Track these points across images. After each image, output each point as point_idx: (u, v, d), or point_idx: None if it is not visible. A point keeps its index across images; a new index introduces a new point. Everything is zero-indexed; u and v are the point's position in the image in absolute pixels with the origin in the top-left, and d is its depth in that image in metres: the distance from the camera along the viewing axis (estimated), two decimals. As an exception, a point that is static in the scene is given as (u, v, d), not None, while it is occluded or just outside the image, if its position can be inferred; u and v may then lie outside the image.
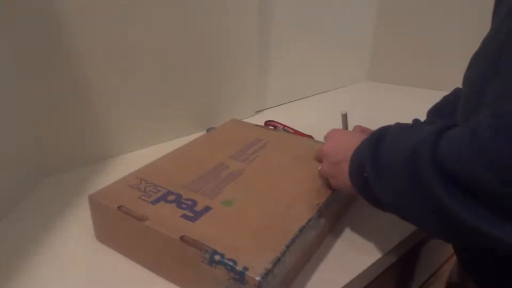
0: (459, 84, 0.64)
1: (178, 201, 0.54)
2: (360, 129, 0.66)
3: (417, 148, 0.36)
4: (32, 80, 0.69)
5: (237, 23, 0.92)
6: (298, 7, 1.06)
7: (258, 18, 0.95)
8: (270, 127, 0.92)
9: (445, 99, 0.70)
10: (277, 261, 0.45)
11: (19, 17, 0.64)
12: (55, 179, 0.75)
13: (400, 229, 0.62)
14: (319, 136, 0.79)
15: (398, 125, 0.46)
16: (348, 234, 0.61)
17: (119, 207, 0.52)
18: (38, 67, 0.68)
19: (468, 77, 0.48)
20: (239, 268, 0.43)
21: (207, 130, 0.91)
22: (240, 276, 0.43)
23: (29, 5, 0.64)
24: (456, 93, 0.69)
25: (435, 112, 0.70)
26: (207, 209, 0.53)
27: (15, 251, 0.57)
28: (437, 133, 0.36)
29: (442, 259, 0.89)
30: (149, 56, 0.80)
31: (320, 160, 0.59)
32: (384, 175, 0.42)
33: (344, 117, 0.65)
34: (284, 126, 0.91)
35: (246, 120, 0.98)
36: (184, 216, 0.51)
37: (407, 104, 1.14)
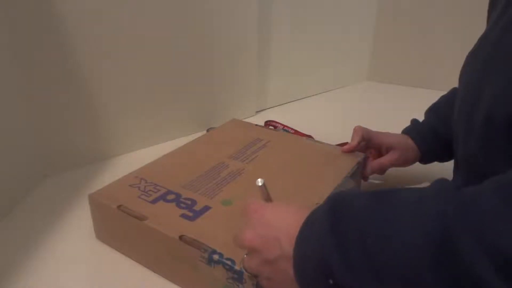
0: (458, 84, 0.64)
1: (178, 200, 0.54)
2: (360, 133, 0.65)
3: (439, 234, 0.27)
4: (32, 81, 0.69)
5: (237, 23, 0.92)
6: (298, 7, 1.06)
7: (258, 18, 0.95)
8: (270, 127, 0.92)
9: (443, 99, 0.70)
10: (276, 260, 0.44)
11: (19, 17, 0.64)
12: (55, 179, 0.75)
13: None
14: (319, 136, 0.79)
15: (361, 199, 0.33)
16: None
17: (119, 207, 0.53)
18: (38, 67, 0.69)
19: (464, 76, 0.48)
20: (237, 267, 0.43)
21: (207, 130, 0.91)
22: (238, 275, 0.43)
23: (29, 5, 0.64)
24: (453, 92, 0.68)
25: (433, 111, 0.70)
26: (206, 208, 0.53)
27: (15, 251, 0.57)
28: (457, 207, 0.27)
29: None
30: (149, 56, 0.80)
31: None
32: (375, 281, 0.30)
33: (263, 187, 0.44)
34: (284, 126, 0.91)
35: (246, 120, 0.98)
36: (184, 216, 0.51)
37: (407, 104, 1.14)
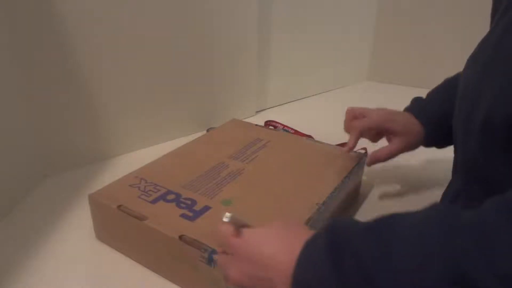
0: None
1: (178, 200, 0.54)
2: (358, 129, 0.63)
3: (451, 274, 0.25)
4: (32, 81, 0.69)
5: (237, 23, 0.92)
6: (298, 7, 1.06)
7: (258, 18, 0.95)
8: (270, 127, 0.92)
9: (446, 83, 0.69)
10: (276, 260, 0.44)
11: (19, 17, 0.64)
12: (55, 179, 0.75)
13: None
14: (319, 136, 0.79)
15: (361, 233, 0.31)
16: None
17: (119, 207, 0.53)
18: (38, 67, 0.69)
19: (464, 78, 0.48)
20: None
21: (207, 130, 0.91)
22: (239, 275, 0.43)
23: (29, 5, 0.64)
24: (457, 77, 0.65)
25: (436, 93, 0.68)
26: (206, 208, 0.53)
27: (15, 251, 0.57)
28: (479, 242, 0.25)
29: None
30: (149, 56, 0.80)
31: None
32: None
33: (232, 221, 0.39)
34: (284, 126, 0.91)
35: (246, 120, 0.98)
36: (184, 216, 0.51)
37: (407, 104, 1.14)
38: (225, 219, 0.38)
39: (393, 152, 0.63)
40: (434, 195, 0.71)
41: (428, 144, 0.65)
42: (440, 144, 0.65)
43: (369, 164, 0.65)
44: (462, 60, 0.53)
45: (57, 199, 0.69)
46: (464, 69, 0.50)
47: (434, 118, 0.63)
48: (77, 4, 0.69)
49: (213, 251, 0.45)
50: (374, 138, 0.68)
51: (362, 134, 0.64)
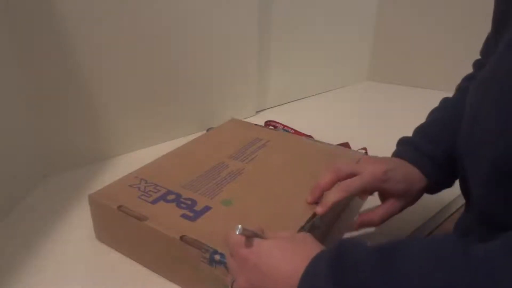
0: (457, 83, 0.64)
1: (178, 200, 0.54)
2: (337, 176, 0.52)
3: None
4: (32, 80, 0.69)
5: (237, 23, 0.92)
6: (298, 7, 1.06)
7: (258, 18, 0.95)
8: (270, 127, 0.92)
9: (446, 113, 0.59)
10: (277, 261, 0.44)
11: (19, 17, 0.64)
12: (55, 179, 0.75)
13: (400, 229, 0.62)
14: (319, 136, 0.79)
15: (366, 261, 0.31)
16: (348, 234, 0.61)
17: (119, 207, 0.53)
18: (38, 67, 0.68)
19: (471, 106, 0.42)
20: None
21: (207, 130, 0.91)
22: (239, 276, 0.43)
23: (29, 5, 0.64)
24: (445, 109, 0.58)
25: (422, 132, 0.58)
26: (207, 208, 0.53)
27: (15, 251, 0.57)
28: (484, 281, 0.26)
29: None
30: (149, 56, 0.80)
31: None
32: None
33: (245, 233, 0.40)
34: (284, 126, 0.91)
35: (246, 120, 0.98)
36: (184, 216, 0.51)
37: (407, 104, 1.14)
38: (236, 232, 0.39)
39: (390, 214, 0.53)
40: (435, 195, 0.71)
41: (433, 193, 0.56)
42: (448, 186, 0.56)
43: (358, 228, 0.55)
44: (462, 60, 0.53)
45: (57, 199, 0.69)
46: (468, 98, 0.45)
47: (439, 166, 0.53)
48: (77, 4, 0.69)
49: (214, 252, 0.45)
50: (364, 196, 0.61)
51: (350, 195, 0.53)
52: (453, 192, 0.58)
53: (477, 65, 0.60)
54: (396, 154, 0.57)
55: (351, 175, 0.52)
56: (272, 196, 0.56)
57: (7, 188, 0.65)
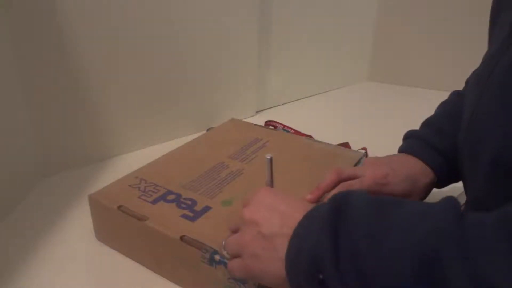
0: (458, 84, 0.64)
1: (178, 200, 0.54)
2: (339, 177, 0.53)
3: (430, 251, 0.27)
4: (33, 81, 0.69)
5: (237, 23, 0.92)
6: (298, 7, 1.06)
7: (258, 18, 0.95)
8: (270, 127, 0.92)
9: (443, 110, 0.60)
10: (277, 261, 0.44)
11: (20, 16, 0.64)
12: (55, 179, 0.75)
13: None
14: (319, 136, 0.79)
15: (364, 205, 0.32)
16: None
17: (119, 207, 0.53)
18: (39, 67, 0.68)
19: (469, 103, 0.43)
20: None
21: (207, 130, 0.91)
22: (240, 276, 0.43)
23: (29, 5, 0.64)
24: (454, 103, 0.59)
25: (429, 125, 0.59)
26: (207, 208, 0.53)
27: (15, 251, 0.57)
28: (457, 232, 0.27)
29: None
30: (149, 56, 0.80)
31: (235, 230, 0.42)
32: (361, 285, 0.30)
33: (270, 162, 0.46)
34: (284, 126, 0.91)
35: (246, 120, 0.98)
36: (184, 216, 0.51)
37: (407, 104, 1.14)
38: (267, 157, 0.45)
39: None
40: (436, 193, 0.71)
41: (441, 187, 0.56)
42: (456, 181, 0.56)
43: None
44: (462, 60, 0.52)
45: (57, 199, 0.69)
46: (467, 94, 0.45)
47: (446, 159, 0.53)
48: (77, 4, 0.69)
49: (214, 252, 0.45)
50: None
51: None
52: (453, 192, 0.57)
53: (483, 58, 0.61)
54: (402, 148, 0.57)
55: (353, 177, 0.53)
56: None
57: (7, 188, 0.65)
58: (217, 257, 0.44)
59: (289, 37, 1.08)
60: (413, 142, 0.57)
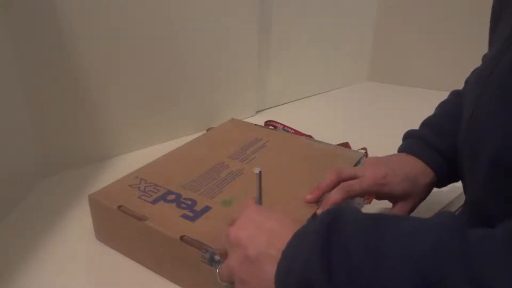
0: (458, 84, 0.64)
1: (178, 200, 0.54)
2: (338, 178, 0.52)
3: (433, 273, 0.25)
4: (33, 80, 0.69)
5: (237, 23, 0.92)
6: (298, 7, 1.06)
7: (258, 18, 0.95)
8: (270, 127, 0.92)
9: (442, 110, 0.60)
10: (277, 261, 0.44)
11: (20, 17, 0.64)
12: (55, 179, 0.75)
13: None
14: (319, 136, 0.79)
15: (358, 222, 0.31)
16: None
17: (119, 207, 0.53)
18: (39, 67, 0.68)
19: (469, 103, 0.43)
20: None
21: (207, 130, 0.91)
22: (240, 276, 0.43)
23: (29, 5, 0.64)
24: (453, 103, 0.58)
25: (429, 125, 0.59)
26: (207, 208, 0.53)
27: (15, 251, 0.57)
28: (461, 250, 0.25)
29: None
30: (149, 56, 0.80)
31: (224, 253, 0.41)
32: None
33: (259, 177, 0.43)
34: (284, 126, 0.91)
35: (246, 120, 0.98)
36: (184, 216, 0.51)
37: (407, 104, 1.14)
38: (256, 171, 0.42)
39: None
40: (436, 192, 0.71)
41: (441, 187, 0.56)
42: (456, 180, 0.56)
43: None
44: (462, 60, 0.52)
45: (57, 199, 0.69)
46: (467, 94, 0.45)
47: (446, 159, 0.53)
48: (77, 4, 0.69)
49: (214, 251, 0.45)
50: (369, 199, 0.61)
51: (350, 196, 0.52)
52: (453, 192, 0.57)
53: (484, 56, 0.60)
54: (402, 148, 0.57)
55: (353, 177, 0.53)
56: (272, 196, 0.56)
57: (7, 188, 0.65)
58: (217, 257, 0.44)
59: (289, 37, 1.08)
60: (413, 142, 0.57)
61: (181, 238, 0.47)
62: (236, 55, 0.95)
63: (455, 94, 0.62)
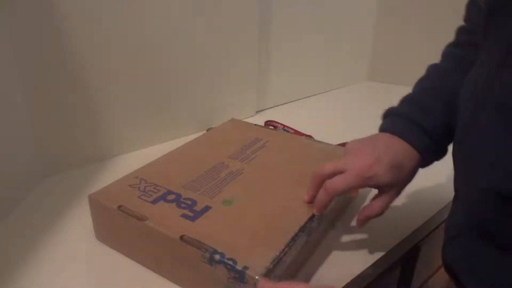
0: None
1: (178, 200, 0.54)
2: (322, 179, 0.51)
3: None
4: (33, 80, 0.69)
5: (237, 23, 0.92)
6: (298, 7, 1.06)
7: (258, 18, 0.95)
8: (270, 127, 0.92)
9: (426, 89, 0.56)
10: (277, 260, 0.45)
11: (20, 16, 0.64)
12: (55, 179, 0.75)
13: (401, 228, 0.62)
14: (319, 136, 0.79)
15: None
16: (348, 233, 0.61)
17: (119, 207, 0.53)
18: (39, 67, 0.68)
19: (463, 111, 0.42)
20: (239, 267, 0.43)
21: (207, 130, 0.91)
22: (240, 275, 0.43)
23: (30, 4, 0.64)
24: (438, 79, 0.56)
25: (414, 102, 0.54)
26: (207, 208, 0.53)
27: (15, 251, 0.57)
28: None
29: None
30: (149, 56, 0.80)
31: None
32: None
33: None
34: (284, 126, 0.91)
35: (246, 120, 0.98)
36: (184, 216, 0.51)
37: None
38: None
39: (389, 202, 0.51)
40: (435, 191, 0.71)
41: (424, 167, 0.53)
42: (439, 159, 0.54)
43: (359, 226, 0.53)
44: (462, 60, 0.52)
45: (57, 199, 0.69)
46: (460, 102, 0.44)
47: (434, 141, 0.51)
48: (77, 4, 0.69)
49: (214, 251, 0.45)
50: (355, 191, 0.60)
51: (336, 196, 0.50)
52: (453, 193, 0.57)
53: (462, 31, 0.61)
54: (385, 127, 0.53)
55: (335, 172, 0.49)
56: (272, 196, 0.56)
57: (7, 188, 0.65)
58: (217, 257, 0.44)
59: (289, 37, 1.08)
60: (397, 121, 0.53)
61: (181, 238, 0.47)
62: (236, 55, 0.95)
63: (433, 68, 0.59)
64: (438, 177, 0.75)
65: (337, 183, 0.48)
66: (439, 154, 0.52)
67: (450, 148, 0.49)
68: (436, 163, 0.53)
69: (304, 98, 1.20)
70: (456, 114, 0.45)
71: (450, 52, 0.59)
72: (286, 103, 1.16)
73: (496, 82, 0.36)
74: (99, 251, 0.57)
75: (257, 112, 1.08)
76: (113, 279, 0.52)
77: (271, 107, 1.12)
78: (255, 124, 0.80)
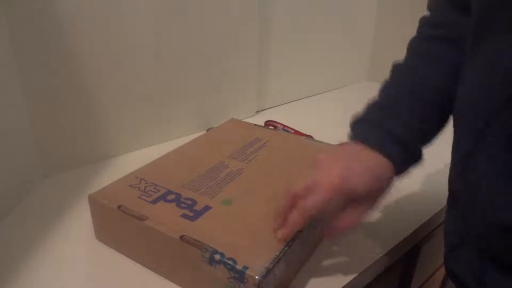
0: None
1: (178, 200, 0.54)
2: (294, 198, 0.47)
3: None
4: (33, 80, 0.69)
5: (237, 23, 0.92)
6: (298, 7, 1.06)
7: (258, 18, 0.95)
8: (270, 127, 0.92)
9: (395, 93, 0.53)
10: (277, 260, 0.45)
11: (20, 16, 0.64)
12: (55, 179, 0.75)
13: (401, 228, 0.62)
14: (319, 136, 0.79)
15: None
16: (348, 233, 0.61)
17: (119, 207, 0.53)
18: (39, 67, 0.68)
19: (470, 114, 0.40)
20: (239, 267, 0.43)
21: (207, 130, 0.91)
22: (240, 275, 0.43)
23: (29, 5, 0.64)
24: (409, 82, 0.53)
25: (382, 107, 0.52)
26: (206, 208, 0.53)
27: (15, 251, 0.57)
28: None
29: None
30: (149, 56, 0.80)
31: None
32: None
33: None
34: (284, 126, 0.91)
35: (246, 120, 0.98)
36: (184, 216, 0.51)
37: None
38: None
39: (361, 218, 0.47)
40: (434, 191, 0.71)
41: (399, 175, 0.49)
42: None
43: (329, 239, 0.51)
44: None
45: (57, 199, 0.69)
46: (462, 103, 0.42)
47: (410, 153, 0.48)
48: (77, 4, 0.69)
49: (214, 251, 0.45)
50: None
51: (311, 218, 0.45)
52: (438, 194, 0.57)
53: (428, 24, 0.58)
54: (356, 136, 0.49)
55: (306, 190, 0.45)
56: (272, 196, 0.56)
57: (7, 188, 0.65)
58: (216, 256, 0.44)
59: (289, 37, 1.08)
60: (369, 130, 0.49)
61: (181, 238, 0.47)
62: (236, 55, 0.95)
63: (399, 68, 0.57)
64: (438, 177, 0.75)
65: (309, 205, 0.44)
66: (413, 164, 0.49)
67: (444, 151, 0.48)
68: (435, 162, 0.53)
69: (304, 98, 1.20)
70: (429, 113, 0.45)
71: (417, 48, 0.56)
72: (286, 103, 1.16)
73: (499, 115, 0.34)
74: (99, 251, 0.57)
75: (257, 112, 1.08)
76: (113, 279, 0.52)
77: (271, 107, 1.12)
78: (255, 124, 0.80)
